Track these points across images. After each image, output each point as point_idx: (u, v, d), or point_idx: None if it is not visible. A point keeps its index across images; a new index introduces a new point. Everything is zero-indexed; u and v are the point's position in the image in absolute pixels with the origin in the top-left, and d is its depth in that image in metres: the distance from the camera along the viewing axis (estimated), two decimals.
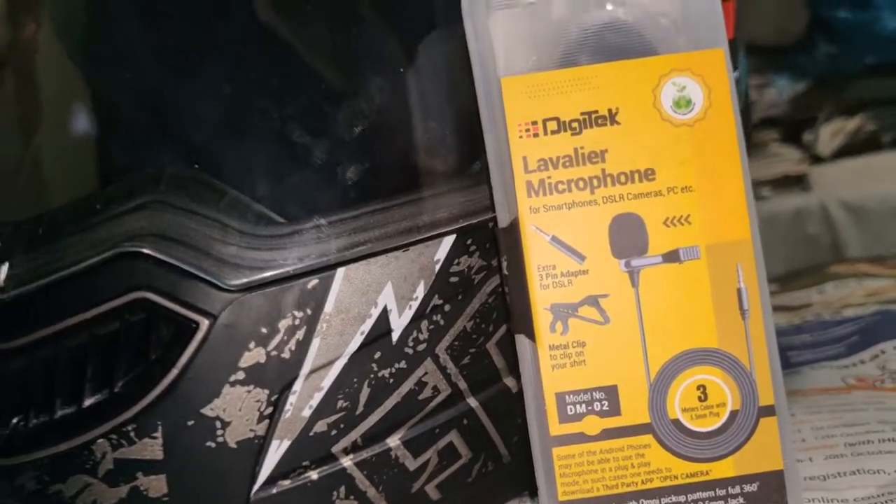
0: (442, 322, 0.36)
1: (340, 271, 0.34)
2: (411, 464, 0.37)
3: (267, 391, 0.34)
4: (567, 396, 0.32)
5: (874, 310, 0.63)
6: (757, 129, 1.64)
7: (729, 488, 0.32)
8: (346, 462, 0.35)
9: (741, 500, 0.32)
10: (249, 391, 0.33)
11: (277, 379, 0.34)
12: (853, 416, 0.46)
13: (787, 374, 0.55)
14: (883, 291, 0.69)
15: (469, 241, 0.36)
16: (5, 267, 0.35)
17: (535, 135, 0.33)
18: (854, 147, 1.62)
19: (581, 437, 0.32)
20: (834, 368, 0.54)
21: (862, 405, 0.47)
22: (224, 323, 0.33)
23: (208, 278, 0.33)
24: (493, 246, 0.37)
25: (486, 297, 0.37)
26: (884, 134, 1.64)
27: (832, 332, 0.60)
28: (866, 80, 1.65)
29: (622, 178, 0.32)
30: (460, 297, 0.37)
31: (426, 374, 0.36)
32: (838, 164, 1.61)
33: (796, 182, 1.59)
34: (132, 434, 0.33)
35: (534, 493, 0.39)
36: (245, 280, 0.33)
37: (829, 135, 1.66)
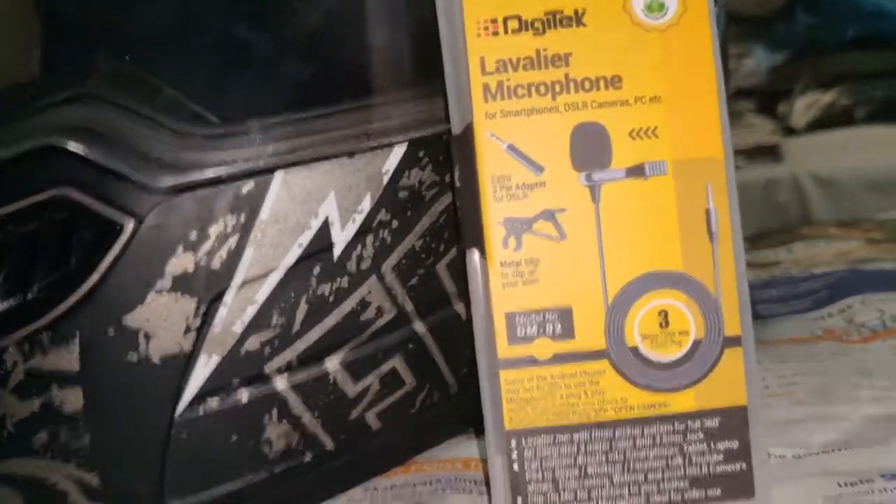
0: (389, 239, 0.34)
1: (279, 175, 0.32)
2: (350, 389, 0.34)
3: (195, 300, 0.31)
4: (517, 317, 0.30)
5: (843, 268, 0.62)
6: (733, 98, 1.63)
7: (689, 422, 0.30)
8: (280, 383, 0.33)
9: (700, 435, 0.30)
10: (176, 301, 0.31)
11: (207, 289, 0.31)
12: (818, 366, 0.44)
13: (756, 323, 0.53)
14: (851, 252, 0.67)
15: (421, 154, 0.34)
16: None
17: (495, 33, 0.30)
18: (828, 120, 1.62)
19: (531, 361, 0.30)
20: (802, 321, 0.52)
21: (828, 355, 0.45)
22: (150, 225, 0.31)
23: (136, 177, 0.30)
24: (447, 160, 0.34)
25: (437, 215, 0.35)
26: (858, 108, 1.64)
27: (801, 286, 0.59)
28: (845, 53, 1.65)
29: (586, 85, 0.30)
30: (409, 212, 0.34)
31: (370, 293, 0.34)
32: (811, 137, 1.61)
33: (768, 153, 1.58)
34: (46, 343, 0.30)
35: (480, 431, 0.37)
36: (174, 181, 0.31)
37: (803, 107, 1.66)
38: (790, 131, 1.63)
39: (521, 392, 0.30)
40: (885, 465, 0.33)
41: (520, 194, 0.30)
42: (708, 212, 0.30)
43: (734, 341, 0.30)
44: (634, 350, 0.30)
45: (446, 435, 0.39)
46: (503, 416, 0.30)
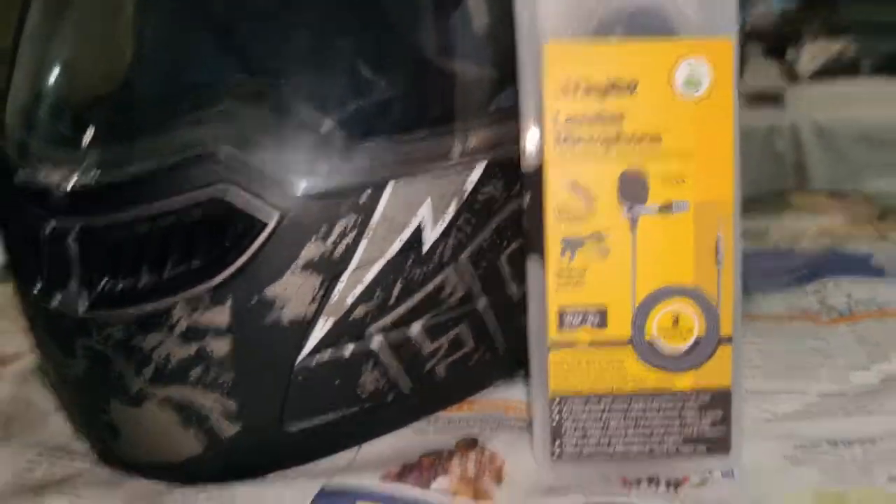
0: (466, 236, 0.43)
1: (390, 185, 0.41)
2: (427, 347, 0.44)
3: (320, 279, 0.40)
4: (566, 310, 0.40)
5: (823, 247, 0.71)
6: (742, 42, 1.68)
7: (687, 397, 0.40)
8: (376, 342, 0.43)
9: (695, 406, 0.40)
10: (306, 279, 0.40)
11: (329, 270, 0.41)
12: (791, 344, 0.54)
13: (745, 298, 0.63)
14: (833, 230, 0.77)
15: (497, 170, 0.43)
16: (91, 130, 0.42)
17: (567, 95, 0.39)
18: (834, 70, 1.66)
19: (573, 344, 0.40)
20: (782, 298, 0.62)
21: (800, 335, 0.55)
22: (290, 220, 0.40)
23: (281, 182, 0.39)
24: (515, 175, 0.43)
25: (504, 218, 0.44)
26: (864, 59, 1.66)
27: (785, 263, 0.68)
28: (859, 4, 1.68)
29: (634, 140, 0.39)
30: (483, 216, 0.43)
31: (448, 277, 0.43)
32: (815, 86, 1.66)
33: (771, 99, 1.64)
34: (206, 303, 0.40)
35: (518, 378, 0.47)
36: (311, 185, 0.40)
37: (811, 54, 1.70)
38: (795, 78, 1.68)
39: (564, 367, 0.40)
40: (828, 435, 0.44)
41: (576, 220, 0.39)
42: (717, 242, 0.40)
43: (727, 340, 0.40)
44: (652, 341, 0.40)
45: (493, 382, 0.49)
46: (548, 385, 0.40)
